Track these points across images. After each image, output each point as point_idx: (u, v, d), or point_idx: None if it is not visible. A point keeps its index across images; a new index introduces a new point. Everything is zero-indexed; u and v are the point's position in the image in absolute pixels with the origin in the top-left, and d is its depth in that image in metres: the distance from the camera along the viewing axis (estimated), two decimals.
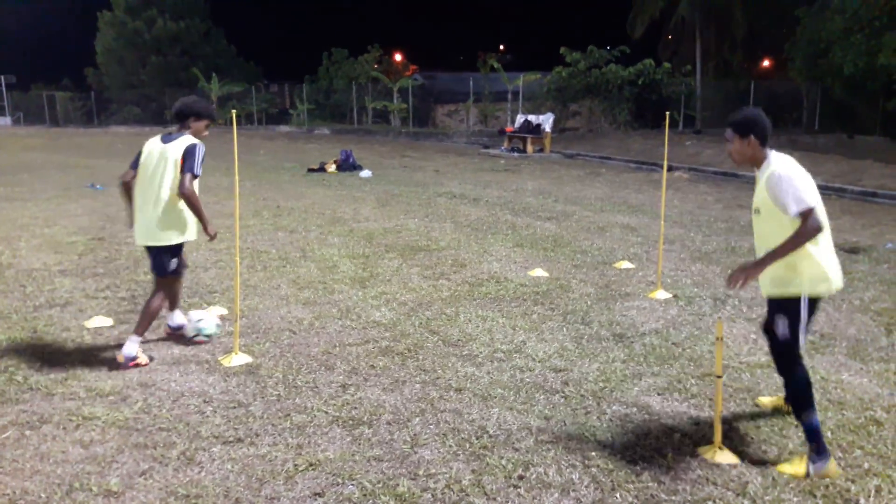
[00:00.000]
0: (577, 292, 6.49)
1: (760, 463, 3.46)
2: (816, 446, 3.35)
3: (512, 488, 3.25)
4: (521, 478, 3.33)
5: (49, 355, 4.81)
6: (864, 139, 22.10)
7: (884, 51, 18.45)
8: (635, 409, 4.06)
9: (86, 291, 6.34)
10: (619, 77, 28.67)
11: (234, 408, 4.05)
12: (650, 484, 3.28)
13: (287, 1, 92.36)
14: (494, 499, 3.16)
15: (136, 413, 3.96)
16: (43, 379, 4.40)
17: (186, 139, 4.69)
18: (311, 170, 17.21)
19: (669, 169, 15.53)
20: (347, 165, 17.24)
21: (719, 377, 3.52)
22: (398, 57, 44.07)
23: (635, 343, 5.16)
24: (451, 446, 3.63)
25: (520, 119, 24.37)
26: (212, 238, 4.81)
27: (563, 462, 3.47)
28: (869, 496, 3.17)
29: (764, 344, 5.12)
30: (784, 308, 3.41)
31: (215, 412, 4.00)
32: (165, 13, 43.96)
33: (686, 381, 4.46)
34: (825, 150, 18.84)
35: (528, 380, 4.48)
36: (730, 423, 3.88)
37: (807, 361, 4.73)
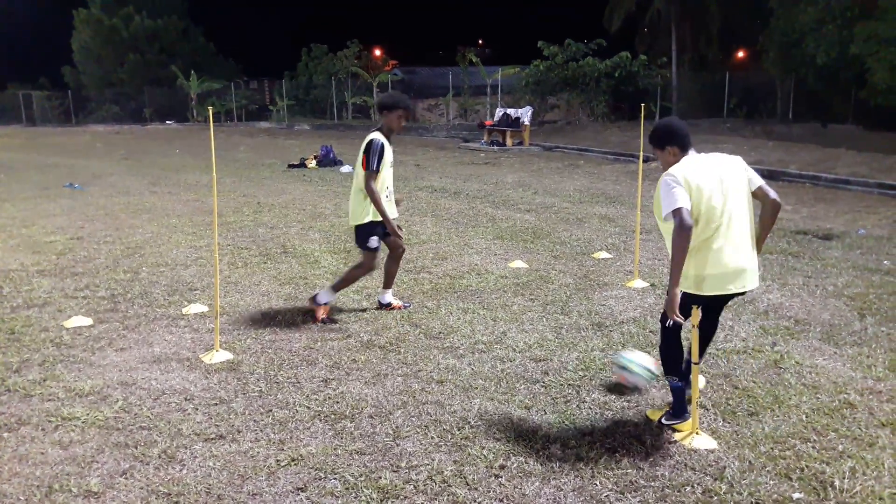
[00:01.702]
0: (556, 283, 6.54)
1: (737, 447, 3.52)
2: (674, 405, 3.71)
3: (493, 478, 3.28)
4: (502, 467, 3.37)
5: (27, 356, 4.77)
6: (837, 128, 22.39)
7: (855, 41, 18.70)
8: (614, 397, 4.11)
9: (64, 291, 6.28)
10: (596, 70, 28.79)
11: (216, 405, 4.05)
12: (629, 470, 3.33)
13: None
14: (476, 489, 3.19)
15: (116, 412, 3.95)
16: (21, 380, 4.36)
17: (371, 136, 5.23)
18: (291, 166, 17.14)
19: (646, 160, 15.63)
20: (328, 161, 17.19)
21: (696, 363, 3.57)
22: (377, 52, 43.90)
23: (614, 332, 5.21)
24: (432, 438, 3.65)
25: (499, 113, 24.41)
26: (394, 233, 5.34)
27: (543, 451, 3.51)
28: (844, 478, 3.23)
29: (740, 330, 5.22)
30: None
31: (197, 409, 3.99)
32: (143, 11, 43.45)
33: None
34: (799, 139, 19.07)
35: (508, 370, 4.51)
36: (707, 409, 3.94)
37: (781, 347, 4.84)
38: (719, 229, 3.40)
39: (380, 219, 5.30)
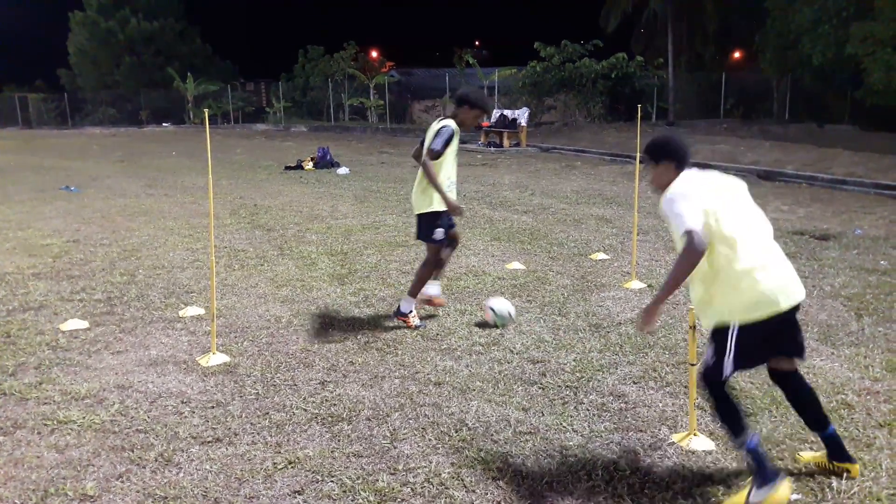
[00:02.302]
0: (553, 284, 6.54)
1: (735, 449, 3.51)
2: (757, 471, 2.98)
3: (491, 480, 3.27)
4: (500, 469, 3.36)
5: (23, 359, 4.75)
6: (833, 128, 22.46)
7: (851, 41, 18.75)
8: (611, 398, 4.11)
9: (60, 294, 6.27)
10: (592, 71, 28.83)
11: (213, 407, 4.04)
12: (627, 472, 3.33)
13: None
14: (474, 491, 3.19)
15: (112, 415, 3.93)
16: (17, 384, 4.34)
17: (445, 121, 5.10)
18: (288, 168, 17.12)
19: (643, 161, 15.64)
20: (325, 163, 17.18)
21: (693, 365, 3.56)
22: (374, 54, 43.93)
23: (611, 333, 5.21)
24: (430, 440, 3.65)
25: (496, 114, 24.41)
26: (454, 211, 5.13)
27: (541, 453, 3.51)
28: (842, 479, 3.22)
29: None
30: (713, 336, 3.12)
31: (193, 412, 3.98)
32: (139, 13, 43.43)
33: (661, 369, 4.51)
34: (796, 139, 19.11)
35: (506, 372, 4.51)
36: (704, 410, 3.93)
37: None
38: (741, 247, 3.01)
39: (443, 208, 5.12)
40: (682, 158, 3.23)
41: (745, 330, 3.01)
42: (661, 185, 3.24)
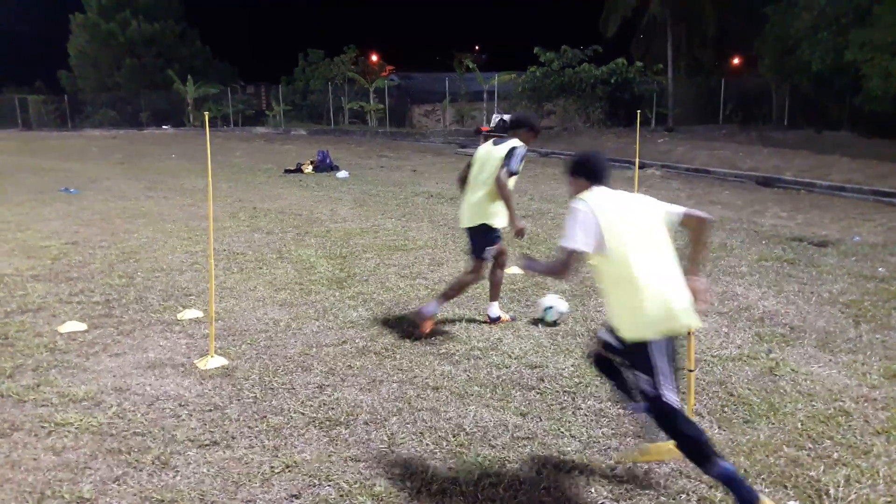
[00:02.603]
0: (552, 289, 6.53)
1: (732, 454, 3.52)
2: (737, 495, 2.86)
3: (489, 486, 3.27)
4: (497, 475, 3.36)
5: (21, 361, 4.75)
6: (832, 134, 22.48)
7: (850, 47, 18.79)
8: (609, 404, 4.10)
9: (59, 296, 6.26)
10: (592, 76, 28.89)
11: (210, 411, 4.04)
12: (625, 478, 3.33)
13: (262, 2, 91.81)
14: (471, 495, 3.18)
15: (110, 418, 3.93)
16: (14, 385, 4.34)
17: (513, 142, 5.25)
18: (287, 171, 17.12)
19: (642, 166, 15.66)
20: (324, 166, 17.18)
21: (691, 371, 3.57)
22: (374, 57, 43.97)
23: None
24: (427, 445, 3.64)
25: (495, 118, 24.44)
26: (518, 233, 5.28)
27: (538, 458, 3.51)
28: (839, 486, 3.23)
29: (735, 337, 5.23)
30: (631, 356, 3.16)
31: (191, 415, 3.97)
32: (139, 15, 43.47)
33: None
34: (794, 145, 19.13)
35: (504, 377, 4.51)
36: (702, 416, 3.94)
37: (777, 354, 4.84)
38: (635, 267, 3.06)
39: (501, 225, 5.31)
40: (594, 176, 3.39)
41: (651, 346, 3.01)
42: (575, 195, 3.42)
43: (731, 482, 2.87)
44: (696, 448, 2.95)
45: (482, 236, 5.32)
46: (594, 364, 3.56)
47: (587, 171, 3.41)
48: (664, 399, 2.98)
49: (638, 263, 3.07)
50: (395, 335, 5.29)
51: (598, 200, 3.23)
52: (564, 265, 3.14)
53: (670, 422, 3.03)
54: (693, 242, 3.32)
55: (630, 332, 3.10)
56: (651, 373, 3.01)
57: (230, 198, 12.46)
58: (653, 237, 3.18)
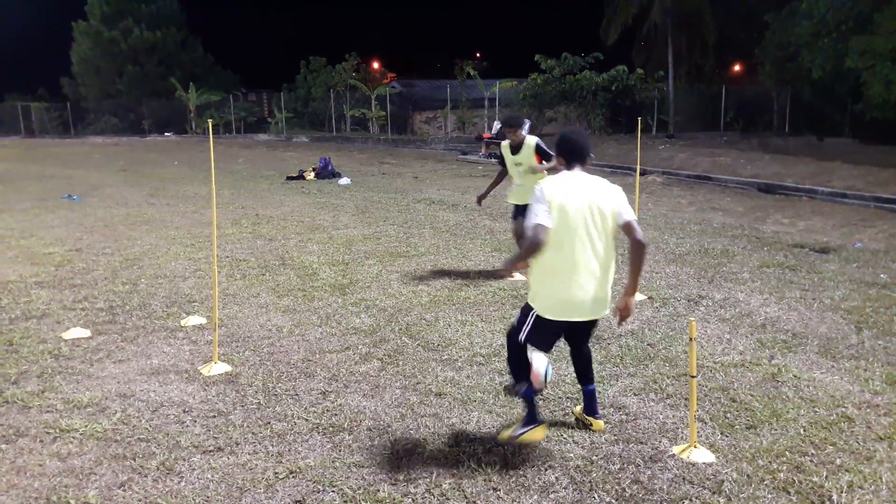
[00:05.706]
0: None
1: (735, 460, 3.53)
2: (525, 414, 3.65)
3: (492, 491, 3.28)
4: (500, 481, 3.37)
5: (25, 368, 4.77)
6: (833, 141, 22.52)
7: (850, 54, 18.83)
8: (612, 410, 4.11)
9: (63, 303, 6.29)
10: (593, 83, 28.90)
11: (214, 417, 4.05)
12: (628, 484, 3.34)
13: (264, 9, 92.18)
14: (474, 502, 3.20)
15: (114, 424, 3.95)
16: (19, 392, 4.36)
17: (537, 138, 7.05)
18: (289, 178, 17.16)
19: (643, 173, 15.68)
20: (326, 173, 17.22)
21: (693, 377, 3.58)
22: (376, 65, 44.06)
23: (612, 344, 5.22)
24: (431, 451, 3.66)
25: (496, 125, 24.50)
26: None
27: (541, 464, 3.52)
28: (842, 492, 3.24)
29: (738, 343, 5.23)
30: (524, 306, 3.69)
31: (195, 422, 3.99)
32: (141, 23, 43.63)
33: (662, 381, 4.52)
34: (795, 152, 19.14)
35: (507, 383, 4.51)
36: (704, 422, 3.95)
37: (779, 360, 4.85)
38: (569, 254, 3.47)
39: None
40: (571, 155, 3.68)
41: (540, 319, 3.56)
42: (552, 173, 3.87)
43: (529, 403, 3.65)
44: (513, 371, 3.82)
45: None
46: (506, 337, 3.83)
47: (565, 151, 3.72)
48: (518, 339, 3.65)
49: (567, 250, 3.46)
50: (398, 342, 5.31)
51: (554, 186, 3.53)
52: (535, 238, 3.44)
53: (510, 349, 3.74)
54: (629, 261, 3.63)
55: (540, 308, 3.57)
56: (524, 324, 3.61)
57: (233, 205, 12.50)
58: (593, 229, 3.51)
